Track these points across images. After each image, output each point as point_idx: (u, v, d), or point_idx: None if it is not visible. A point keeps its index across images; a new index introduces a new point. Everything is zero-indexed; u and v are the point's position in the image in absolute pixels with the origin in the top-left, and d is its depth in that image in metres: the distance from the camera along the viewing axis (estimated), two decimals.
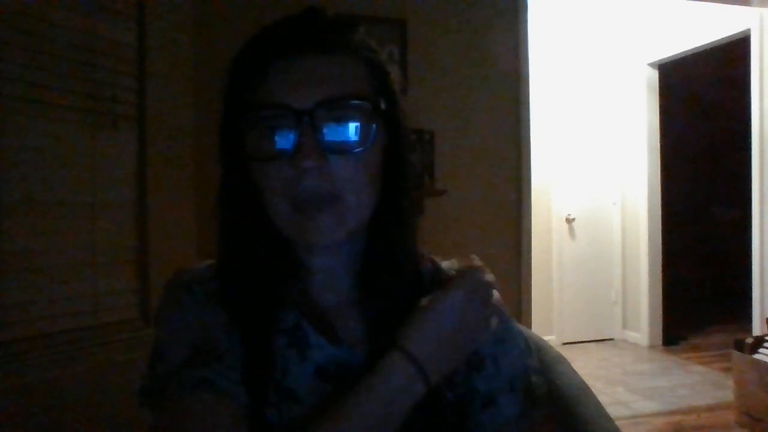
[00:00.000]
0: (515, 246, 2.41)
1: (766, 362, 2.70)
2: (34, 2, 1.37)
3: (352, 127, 0.54)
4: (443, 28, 2.28)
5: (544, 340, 0.82)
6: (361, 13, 2.03)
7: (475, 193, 2.33)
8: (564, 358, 0.78)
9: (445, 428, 0.58)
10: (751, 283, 3.48)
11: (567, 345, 4.42)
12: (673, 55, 4.11)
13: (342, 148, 0.54)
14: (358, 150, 0.54)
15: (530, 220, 2.43)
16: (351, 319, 0.60)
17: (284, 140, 0.53)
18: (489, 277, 0.64)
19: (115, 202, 1.55)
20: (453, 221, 2.23)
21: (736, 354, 2.86)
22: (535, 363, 0.65)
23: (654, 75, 4.33)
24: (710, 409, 3.08)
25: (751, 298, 3.49)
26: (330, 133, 0.53)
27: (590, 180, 4.55)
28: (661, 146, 4.33)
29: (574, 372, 0.75)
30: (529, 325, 2.37)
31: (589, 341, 4.51)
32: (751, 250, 3.47)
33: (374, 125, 0.55)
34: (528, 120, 2.41)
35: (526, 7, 2.41)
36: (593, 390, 0.73)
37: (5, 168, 1.33)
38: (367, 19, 0.98)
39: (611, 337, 4.58)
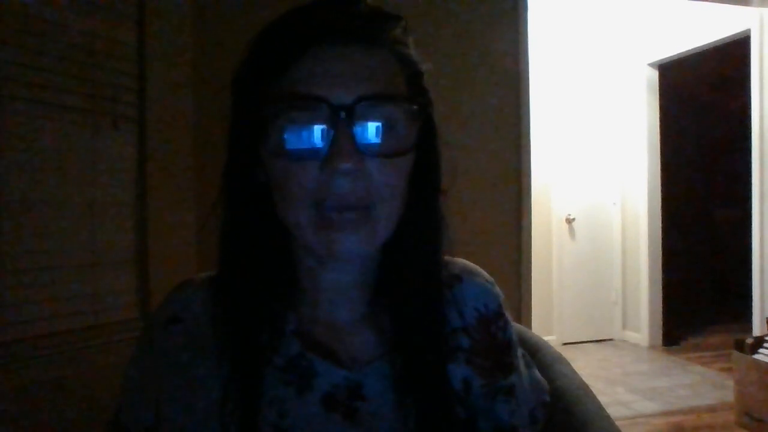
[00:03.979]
0: (515, 246, 2.41)
1: (766, 362, 2.70)
2: (34, 2, 1.37)
3: (394, 129, 0.49)
4: (443, 27, 2.28)
5: (544, 340, 0.82)
6: None
7: (475, 193, 2.32)
8: (564, 358, 0.78)
9: None
10: (751, 283, 3.48)
11: (567, 345, 4.42)
12: (673, 55, 4.11)
13: (382, 152, 0.48)
14: (398, 155, 0.49)
15: (530, 220, 2.43)
16: (363, 338, 0.56)
17: (316, 138, 0.47)
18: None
19: (115, 202, 1.55)
20: (453, 221, 2.23)
21: (736, 354, 2.86)
22: (544, 385, 0.65)
23: (654, 75, 4.33)
24: (710, 409, 3.08)
25: (751, 298, 3.49)
26: (369, 133, 0.48)
27: (590, 180, 4.55)
28: (661, 146, 4.33)
29: (574, 372, 0.75)
30: (529, 325, 2.37)
31: (589, 341, 4.51)
32: (751, 251, 3.47)
33: (415, 129, 0.51)
34: (528, 120, 2.41)
35: (526, 7, 2.41)
36: (593, 390, 0.73)
37: (5, 168, 1.32)
38: None
39: (611, 338, 4.58)
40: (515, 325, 0.80)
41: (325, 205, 0.49)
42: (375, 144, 0.48)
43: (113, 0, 1.53)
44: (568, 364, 0.77)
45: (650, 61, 4.29)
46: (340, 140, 0.46)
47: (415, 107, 0.51)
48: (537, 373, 0.65)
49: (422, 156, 0.54)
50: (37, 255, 1.38)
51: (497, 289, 0.63)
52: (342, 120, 0.46)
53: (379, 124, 0.48)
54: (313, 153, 0.48)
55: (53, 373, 1.35)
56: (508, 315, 0.62)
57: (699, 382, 3.51)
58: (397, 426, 0.53)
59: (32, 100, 1.38)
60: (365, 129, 0.48)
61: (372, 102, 0.47)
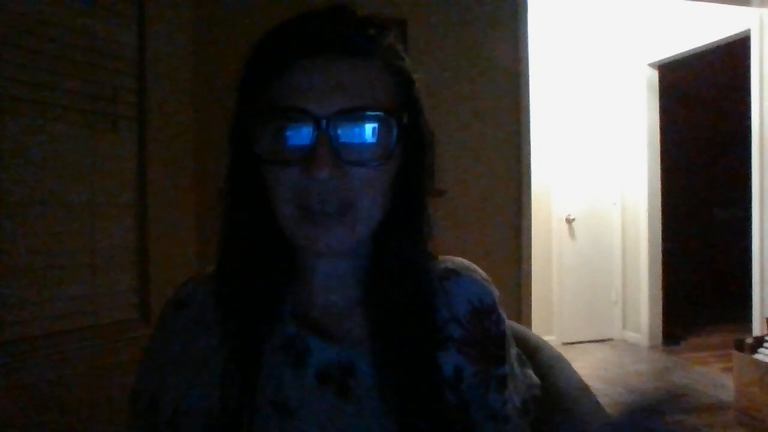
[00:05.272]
0: (515, 246, 2.41)
1: (766, 362, 2.70)
2: (34, 2, 1.37)
3: (373, 139, 0.52)
4: (443, 28, 2.28)
5: (543, 339, 0.82)
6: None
7: (475, 193, 2.32)
8: (563, 357, 0.78)
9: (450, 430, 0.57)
10: (751, 283, 3.48)
11: (567, 345, 4.42)
12: (673, 55, 4.11)
13: (359, 160, 0.52)
14: (375, 164, 0.53)
15: (530, 220, 2.43)
16: (355, 320, 0.59)
17: (298, 146, 0.51)
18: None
19: (115, 202, 1.55)
20: (453, 221, 2.23)
21: (736, 354, 2.86)
22: (533, 376, 0.66)
23: (654, 75, 4.33)
24: (710, 409, 3.08)
25: (751, 299, 3.49)
26: (348, 143, 0.51)
27: (590, 180, 4.55)
28: (661, 146, 4.33)
29: (574, 372, 0.75)
30: (529, 325, 2.37)
31: (589, 341, 4.51)
32: (751, 251, 3.47)
33: (395, 139, 0.53)
34: (528, 120, 2.41)
35: (526, 7, 2.41)
36: (593, 390, 0.73)
37: (5, 168, 1.33)
38: None
39: (611, 338, 4.58)
40: (515, 325, 0.81)
41: (307, 205, 0.53)
42: (354, 153, 0.52)
43: (113, 0, 1.53)
44: (568, 364, 0.77)
45: (650, 61, 4.29)
46: (319, 151, 0.50)
47: (393, 120, 0.53)
48: (529, 371, 0.66)
49: (410, 160, 0.57)
50: (37, 255, 1.38)
51: (493, 287, 0.64)
52: (322, 131, 0.50)
53: (358, 134, 0.52)
54: (295, 161, 0.52)
55: (53, 373, 1.36)
56: (503, 312, 0.64)
57: (699, 382, 3.52)
58: (388, 407, 0.55)
59: (32, 100, 1.38)
60: (344, 139, 0.51)
61: (352, 113, 0.51)
